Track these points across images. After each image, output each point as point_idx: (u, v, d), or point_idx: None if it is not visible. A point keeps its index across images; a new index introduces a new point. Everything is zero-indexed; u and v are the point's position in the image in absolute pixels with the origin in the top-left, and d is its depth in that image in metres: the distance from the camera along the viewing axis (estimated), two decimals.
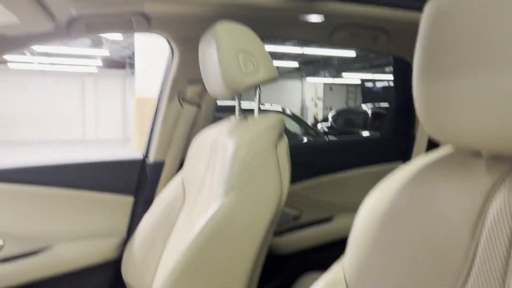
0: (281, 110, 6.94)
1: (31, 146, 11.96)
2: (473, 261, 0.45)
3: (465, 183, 0.48)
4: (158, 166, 1.68)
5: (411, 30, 1.58)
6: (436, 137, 0.49)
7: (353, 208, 1.88)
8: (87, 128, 14.58)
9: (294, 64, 13.01)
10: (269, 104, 7.23)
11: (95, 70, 13.68)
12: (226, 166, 1.10)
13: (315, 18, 1.45)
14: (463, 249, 0.46)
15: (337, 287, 0.61)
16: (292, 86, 18.08)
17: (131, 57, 12.62)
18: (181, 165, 1.69)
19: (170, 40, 1.55)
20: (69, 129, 14.33)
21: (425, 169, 0.55)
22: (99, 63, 12.29)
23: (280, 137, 1.16)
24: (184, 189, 1.44)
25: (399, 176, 0.59)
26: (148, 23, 1.39)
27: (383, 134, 2.12)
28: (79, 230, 1.59)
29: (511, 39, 0.38)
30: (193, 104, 1.65)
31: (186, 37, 1.52)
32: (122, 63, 14.01)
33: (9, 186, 1.49)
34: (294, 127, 7.03)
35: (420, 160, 0.59)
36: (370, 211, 0.59)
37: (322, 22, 1.51)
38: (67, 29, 1.33)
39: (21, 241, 1.51)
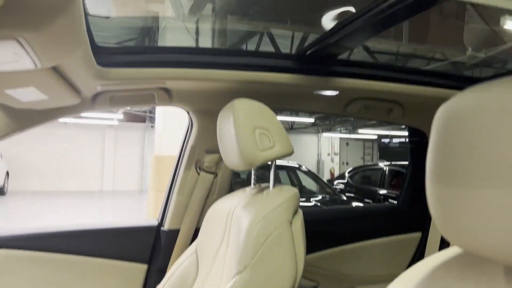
0: (297, 166, 6.95)
1: (49, 197, 12.10)
2: None
3: None
4: (173, 234, 1.67)
5: (426, 103, 1.61)
6: (450, 240, 0.48)
7: (371, 280, 1.83)
8: (105, 179, 14.77)
9: (310, 119, 13.17)
10: (285, 160, 7.25)
11: (116, 123, 14.07)
12: (240, 242, 1.10)
13: (329, 93, 1.49)
14: None
15: None
16: (309, 140, 18.16)
17: (151, 111, 12.97)
18: (195, 233, 1.69)
19: (189, 111, 1.60)
20: (87, 180, 14.53)
21: (440, 270, 0.54)
22: (120, 116, 12.65)
23: (295, 212, 1.16)
24: (197, 259, 1.42)
25: (413, 275, 0.58)
26: (169, 97, 1.45)
27: (399, 203, 2.09)
28: None
29: None
30: (210, 173, 1.67)
31: (205, 110, 1.57)
32: (143, 117, 14.41)
33: (21, 252, 1.50)
34: (310, 183, 6.99)
35: (434, 259, 0.58)
36: None
37: (337, 96, 1.55)
38: (91, 102, 1.39)
39: None
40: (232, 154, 1.20)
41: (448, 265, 0.54)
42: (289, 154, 1.22)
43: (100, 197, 12.78)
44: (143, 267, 1.65)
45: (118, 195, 13.41)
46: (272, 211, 1.10)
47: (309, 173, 7.01)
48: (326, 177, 16.43)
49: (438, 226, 0.50)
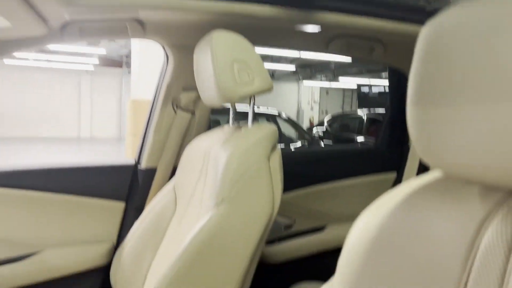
0: (277, 114, 6.95)
1: (24, 143, 11.88)
2: None
3: (457, 211, 0.48)
4: (150, 173, 1.66)
5: (407, 41, 1.58)
6: (428, 162, 0.48)
7: (346, 218, 1.88)
8: (82, 126, 14.52)
9: (291, 67, 13.02)
10: (265, 107, 7.23)
11: (92, 68, 13.62)
12: (217, 178, 1.09)
13: (311, 28, 1.45)
14: (454, 277, 0.45)
15: None
16: (289, 89, 18.08)
17: (128, 56, 12.57)
18: (173, 172, 1.68)
19: (165, 46, 1.54)
20: (63, 126, 14.25)
21: (417, 193, 0.54)
22: (96, 61, 12.23)
23: (273, 148, 1.15)
24: (175, 197, 1.43)
25: (390, 199, 0.58)
26: (143, 29, 1.38)
27: (377, 144, 2.12)
28: (69, 235, 1.57)
29: (506, 71, 0.37)
30: (187, 111, 1.64)
31: (181, 44, 1.51)
32: (119, 62, 13.96)
33: None
34: (289, 131, 7.04)
35: (412, 183, 0.58)
36: (361, 234, 0.58)
37: (319, 32, 1.50)
38: (60, 33, 1.32)
39: (10, 246, 1.49)
40: (209, 90, 1.17)
41: (424, 190, 0.54)
42: (268, 90, 1.19)
43: (78, 143, 12.62)
44: (120, 205, 1.65)
45: (95, 142, 13.26)
46: (250, 147, 1.09)
47: (288, 120, 7.03)
48: (305, 125, 16.55)
49: (417, 149, 0.50)
